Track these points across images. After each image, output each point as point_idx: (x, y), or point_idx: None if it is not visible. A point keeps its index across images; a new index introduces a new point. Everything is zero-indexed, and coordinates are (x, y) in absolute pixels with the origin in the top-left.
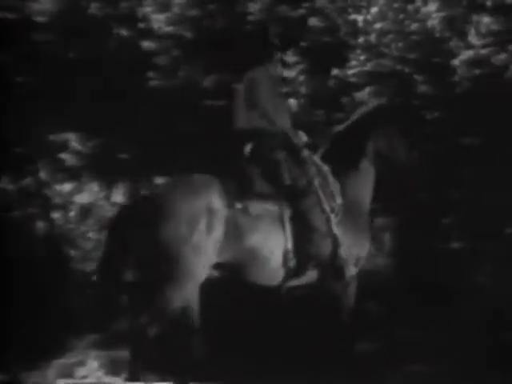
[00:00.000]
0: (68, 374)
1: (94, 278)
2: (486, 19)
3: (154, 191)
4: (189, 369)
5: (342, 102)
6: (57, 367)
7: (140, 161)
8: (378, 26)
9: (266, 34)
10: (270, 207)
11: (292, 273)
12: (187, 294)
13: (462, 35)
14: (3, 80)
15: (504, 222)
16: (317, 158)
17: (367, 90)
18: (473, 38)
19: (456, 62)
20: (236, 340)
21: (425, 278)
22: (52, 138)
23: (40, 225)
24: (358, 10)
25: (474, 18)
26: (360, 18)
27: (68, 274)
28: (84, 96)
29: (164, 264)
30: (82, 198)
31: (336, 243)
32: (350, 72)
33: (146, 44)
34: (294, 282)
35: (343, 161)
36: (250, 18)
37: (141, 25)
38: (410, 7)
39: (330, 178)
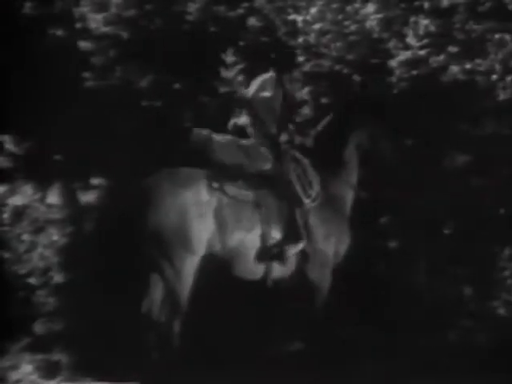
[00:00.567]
0: (1, 378)
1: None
2: (423, 21)
3: (143, 185)
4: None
5: None
6: None
7: (75, 162)
8: (317, 26)
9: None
10: (244, 192)
11: (274, 261)
12: (178, 285)
13: (400, 36)
14: None
15: (441, 221)
16: (296, 152)
17: (305, 90)
18: (411, 40)
19: (394, 62)
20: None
21: (361, 277)
22: None
23: None
24: (297, 11)
25: (412, 19)
26: (299, 19)
27: (1, 276)
28: (18, 97)
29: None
30: (16, 200)
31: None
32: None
33: (83, 44)
34: (278, 273)
35: (324, 155)
36: (188, 17)
37: (78, 25)
38: (349, 8)
39: (310, 170)
